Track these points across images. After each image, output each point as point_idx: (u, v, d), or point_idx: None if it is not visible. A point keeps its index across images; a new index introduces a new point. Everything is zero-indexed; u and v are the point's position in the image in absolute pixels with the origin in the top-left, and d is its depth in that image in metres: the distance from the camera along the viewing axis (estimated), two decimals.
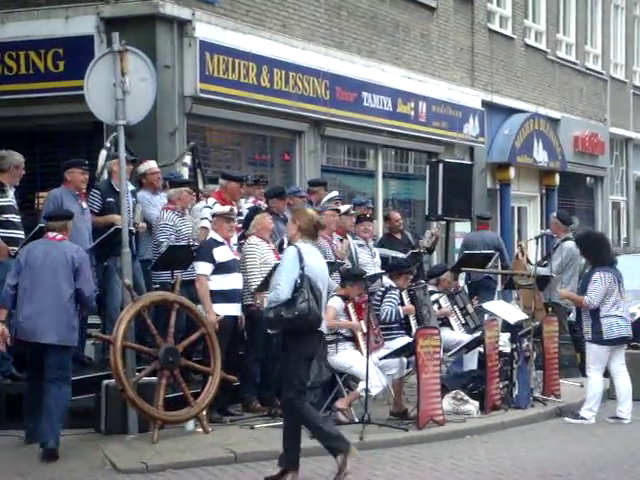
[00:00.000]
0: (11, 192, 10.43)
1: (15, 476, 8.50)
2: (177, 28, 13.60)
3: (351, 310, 10.79)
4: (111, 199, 11.00)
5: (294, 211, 8.95)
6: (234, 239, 11.29)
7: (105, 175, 11.46)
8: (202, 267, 10.35)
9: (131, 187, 11.39)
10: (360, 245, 12.57)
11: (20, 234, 10.34)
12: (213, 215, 10.79)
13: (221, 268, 10.35)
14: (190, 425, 10.03)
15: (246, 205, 12.34)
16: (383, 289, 11.48)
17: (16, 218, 10.40)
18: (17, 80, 13.72)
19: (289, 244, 8.45)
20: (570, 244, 13.98)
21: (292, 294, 7.88)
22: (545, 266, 14.01)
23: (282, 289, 7.91)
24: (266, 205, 12.21)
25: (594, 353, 11.57)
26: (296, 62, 15.46)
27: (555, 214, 15.32)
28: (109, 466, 8.82)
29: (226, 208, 10.79)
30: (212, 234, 10.62)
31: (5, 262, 10.11)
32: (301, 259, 7.96)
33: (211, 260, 10.33)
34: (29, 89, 13.64)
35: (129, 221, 10.50)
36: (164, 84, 13.08)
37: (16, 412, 10.18)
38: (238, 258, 10.73)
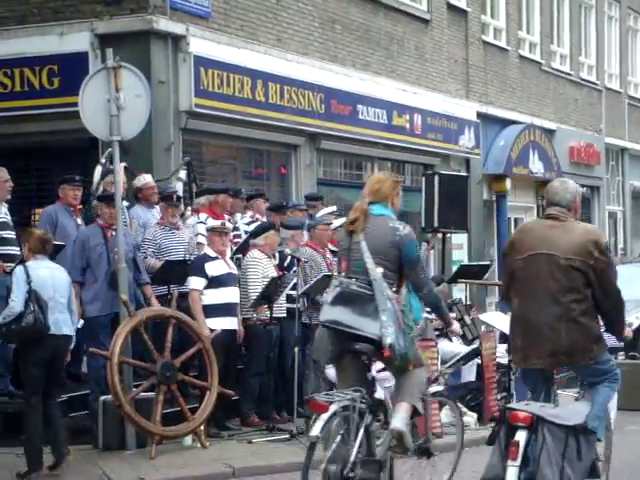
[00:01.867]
0: (4, 208, 10.42)
1: None
2: (171, 43, 13.62)
3: None
4: None
5: (23, 234, 9.56)
6: (228, 252, 11.32)
7: (101, 191, 11.43)
8: (194, 282, 10.37)
9: (125, 203, 11.41)
10: None
11: (15, 250, 10.33)
12: (207, 230, 10.81)
13: (215, 282, 10.36)
14: (188, 440, 10.00)
15: (242, 220, 12.35)
16: None
17: (10, 234, 10.38)
18: (12, 97, 13.73)
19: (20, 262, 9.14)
20: None
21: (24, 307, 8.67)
22: None
23: (15, 303, 8.64)
24: (266, 220, 12.23)
25: None
26: (291, 76, 15.49)
27: None
28: None
29: (218, 222, 10.81)
30: (206, 249, 10.64)
31: (0, 279, 10.11)
32: (27, 275, 8.72)
33: (203, 275, 10.35)
34: (24, 106, 13.65)
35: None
36: (159, 99, 13.10)
37: (14, 430, 10.16)
38: (234, 272, 10.74)
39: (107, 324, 10.06)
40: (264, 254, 11.02)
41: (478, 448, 10.62)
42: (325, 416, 6.55)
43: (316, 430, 6.47)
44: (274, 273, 10.90)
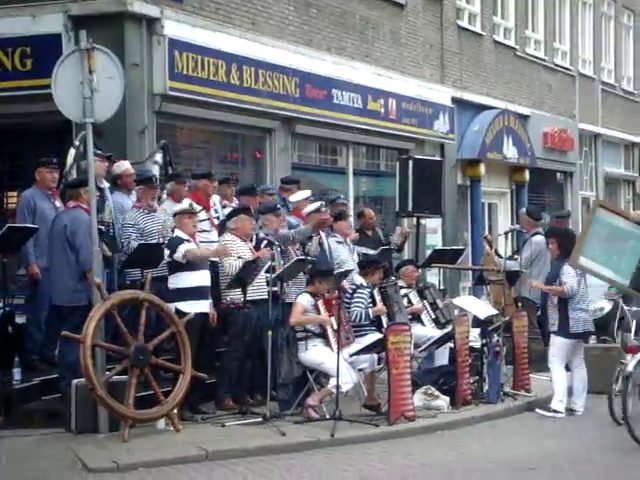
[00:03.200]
0: None
1: None
2: (146, 26, 13.53)
3: (321, 307, 10.79)
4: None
5: None
6: (214, 236, 11.30)
7: (74, 173, 11.40)
8: (182, 247, 10.31)
9: (106, 184, 11.37)
10: (339, 242, 12.63)
11: None
12: (174, 214, 10.74)
13: (188, 265, 10.33)
14: (161, 423, 10.01)
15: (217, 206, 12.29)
16: (353, 287, 11.50)
17: None
18: None
19: None
20: (539, 238, 14.08)
21: None
22: (515, 260, 14.08)
23: None
24: (236, 205, 12.18)
25: (558, 346, 11.73)
26: (266, 59, 15.44)
27: (524, 210, 15.40)
28: (80, 465, 8.79)
29: (185, 204, 10.78)
30: (177, 232, 10.58)
31: None
32: None
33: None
34: None
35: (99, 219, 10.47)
36: (133, 82, 13.02)
37: None
38: None
39: None
40: (237, 237, 11.00)
41: (450, 432, 10.72)
42: (638, 356, 9.74)
43: (630, 367, 9.61)
44: (249, 254, 10.88)
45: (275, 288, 10.87)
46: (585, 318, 11.70)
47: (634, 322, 13.72)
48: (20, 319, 11.46)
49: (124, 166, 11.94)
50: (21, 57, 13.41)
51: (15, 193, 13.78)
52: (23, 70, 13.40)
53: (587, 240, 10.77)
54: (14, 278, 13.27)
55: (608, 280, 11.39)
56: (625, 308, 14.21)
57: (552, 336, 11.81)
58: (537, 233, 14.38)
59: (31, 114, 13.33)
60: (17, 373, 10.30)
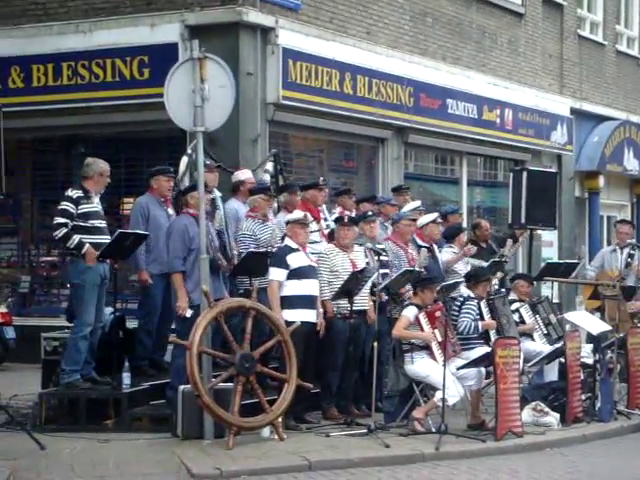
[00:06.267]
0: (96, 198, 10.57)
1: (92, 479, 8.59)
2: (260, 35, 13.70)
3: (423, 320, 10.62)
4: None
5: None
6: (322, 246, 11.26)
7: (186, 181, 11.53)
8: (274, 273, 10.37)
9: (218, 193, 11.44)
10: (455, 253, 12.56)
11: (106, 239, 10.47)
12: (287, 222, 10.77)
13: (296, 274, 10.33)
14: (266, 432, 10.02)
15: (332, 217, 12.24)
16: (461, 299, 11.34)
17: (102, 224, 10.53)
18: (104, 87, 13.97)
19: None
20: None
21: None
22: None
23: None
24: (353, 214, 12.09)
25: None
26: (380, 69, 15.43)
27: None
28: (184, 471, 8.84)
29: (300, 214, 10.77)
30: (287, 241, 10.61)
31: (94, 267, 10.25)
32: None
33: (285, 266, 10.33)
34: (115, 96, 13.88)
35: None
36: (247, 91, 13.17)
37: (95, 416, 10.32)
38: (314, 264, 10.69)
39: None
40: (339, 247, 10.93)
41: (559, 449, 10.48)
42: None
43: None
44: (348, 266, 10.80)
45: (378, 299, 10.73)
46: None
47: None
48: (131, 324, 11.64)
49: (247, 174, 12.01)
50: (139, 66, 13.70)
51: (131, 200, 14.01)
52: (141, 79, 13.70)
53: None
54: (128, 284, 13.51)
55: None
56: None
57: None
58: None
59: (148, 122, 13.61)
60: (126, 377, 10.42)
